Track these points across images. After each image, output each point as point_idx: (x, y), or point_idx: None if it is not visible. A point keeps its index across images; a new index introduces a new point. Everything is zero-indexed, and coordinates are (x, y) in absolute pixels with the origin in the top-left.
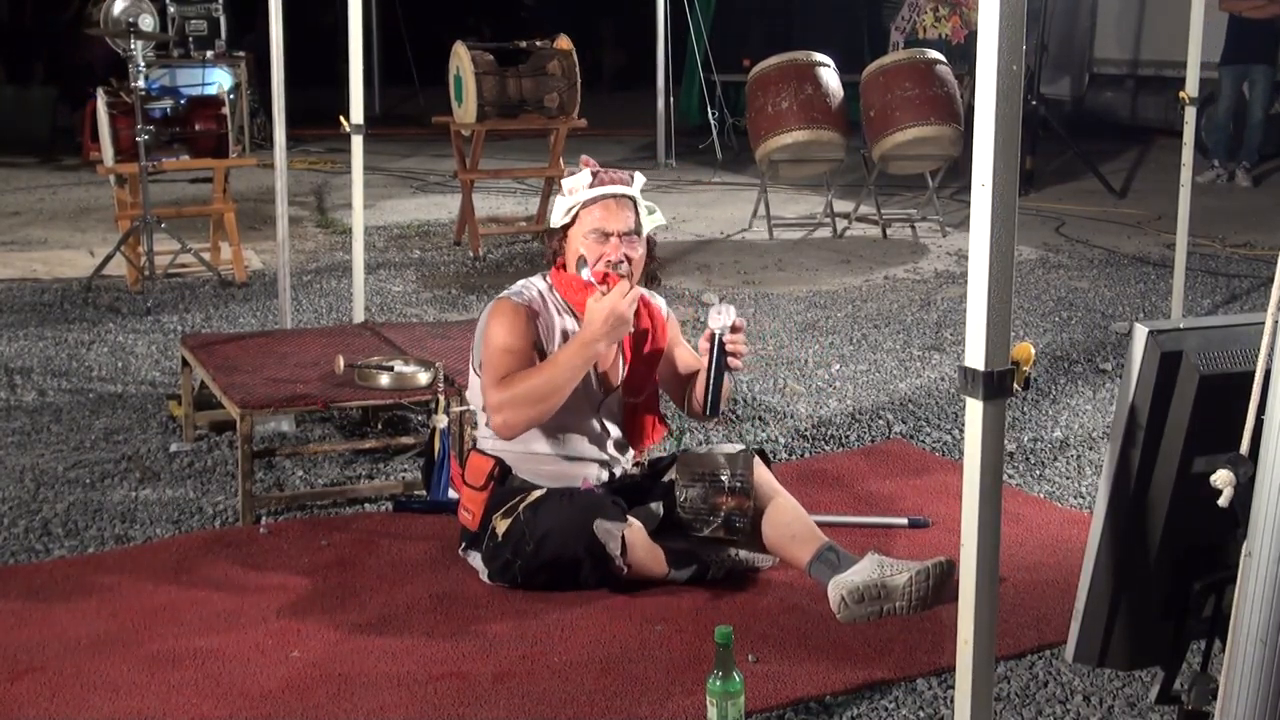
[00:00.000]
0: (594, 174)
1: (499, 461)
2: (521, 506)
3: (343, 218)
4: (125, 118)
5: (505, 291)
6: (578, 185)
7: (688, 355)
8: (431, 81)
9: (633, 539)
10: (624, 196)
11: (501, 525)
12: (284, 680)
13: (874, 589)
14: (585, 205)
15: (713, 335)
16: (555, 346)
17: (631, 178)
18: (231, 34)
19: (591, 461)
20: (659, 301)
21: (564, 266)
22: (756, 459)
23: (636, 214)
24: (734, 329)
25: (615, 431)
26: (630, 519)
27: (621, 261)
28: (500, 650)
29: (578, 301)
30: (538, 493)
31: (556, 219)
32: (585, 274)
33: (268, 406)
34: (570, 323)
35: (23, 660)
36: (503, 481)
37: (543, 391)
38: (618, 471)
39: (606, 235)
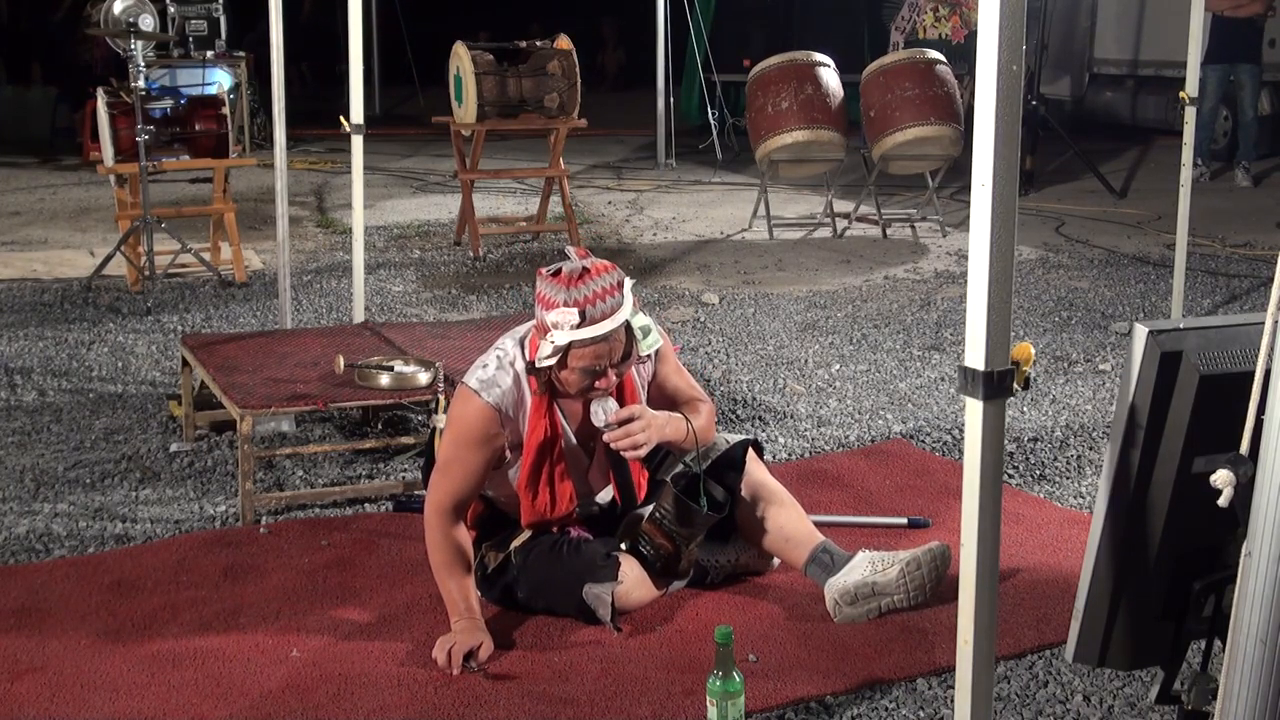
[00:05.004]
0: (581, 312)
1: (487, 504)
2: (513, 546)
3: (343, 218)
4: (125, 118)
5: (475, 378)
6: (564, 323)
7: (683, 386)
8: (432, 81)
9: (625, 591)
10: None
11: (493, 559)
12: (284, 680)
13: (865, 588)
14: (575, 347)
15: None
16: (528, 437)
17: (620, 292)
18: (231, 34)
19: (583, 508)
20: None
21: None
22: (754, 458)
23: (629, 337)
24: (621, 422)
25: (604, 483)
26: (622, 569)
27: (613, 386)
28: (500, 650)
29: (567, 401)
30: (526, 535)
31: (543, 358)
32: (599, 419)
33: (268, 406)
34: (553, 415)
35: (23, 660)
36: (491, 517)
37: (434, 567)
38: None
39: (598, 374)
